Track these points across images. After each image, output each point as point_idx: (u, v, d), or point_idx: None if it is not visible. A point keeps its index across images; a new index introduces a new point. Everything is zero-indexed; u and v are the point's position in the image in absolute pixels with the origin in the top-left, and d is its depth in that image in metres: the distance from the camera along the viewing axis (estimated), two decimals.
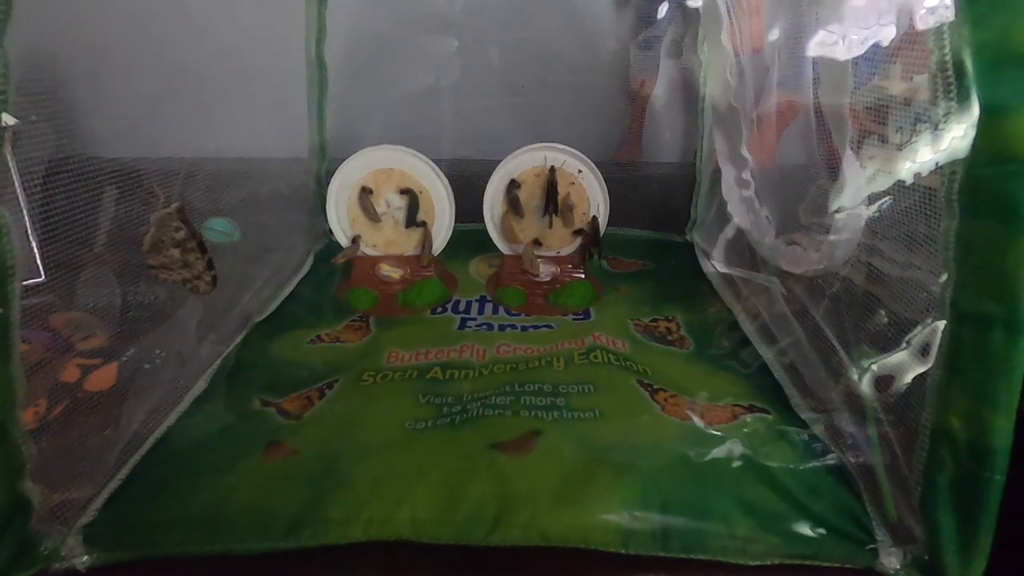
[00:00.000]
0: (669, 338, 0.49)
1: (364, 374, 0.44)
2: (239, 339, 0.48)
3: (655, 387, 0.41)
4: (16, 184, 0.54)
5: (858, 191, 0.31)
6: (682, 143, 0.80)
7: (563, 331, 0.50)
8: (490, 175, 0.59)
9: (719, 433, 0.35)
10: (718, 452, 0.33)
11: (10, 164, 0.52)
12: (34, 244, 0.61)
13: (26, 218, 0.58)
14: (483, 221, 0.59)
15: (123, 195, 0.53)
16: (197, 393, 0.41)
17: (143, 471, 0.34)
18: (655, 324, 0.51)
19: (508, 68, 0.72)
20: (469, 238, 0.65)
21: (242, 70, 0.61)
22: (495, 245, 0.60)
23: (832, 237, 0.35)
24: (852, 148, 0.31)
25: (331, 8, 0.63)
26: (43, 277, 0.56)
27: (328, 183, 0.57)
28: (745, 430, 0.36)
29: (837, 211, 0.33)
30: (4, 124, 0.24)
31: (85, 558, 0.29)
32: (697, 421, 0.36)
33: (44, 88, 0.36)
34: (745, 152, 0.51)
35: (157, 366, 0.45)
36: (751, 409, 0.38)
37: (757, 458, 0.33)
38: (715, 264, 0.61)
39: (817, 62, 0.34)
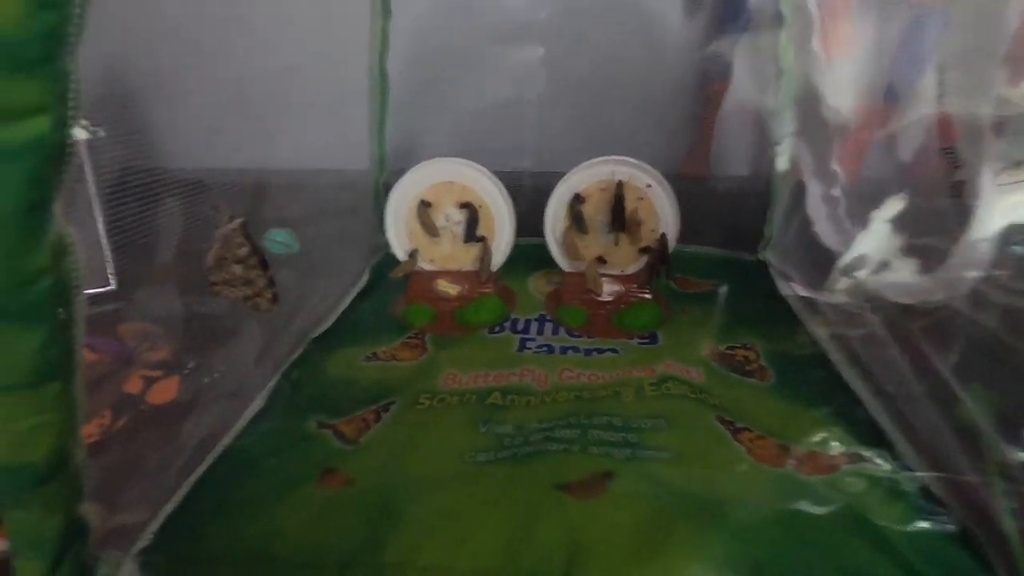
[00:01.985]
0: (748, 368, 0.45)
1: (421, 397, 0.42)
2: (296, 356, 0.47)
3: (737, 425, 0.37)
4: (92, 193, 0.56)
5: (993, 218, 0.27)
6: (752, 155, 0.76)
7: (630, 357, 0.47)
8: (550, 188, 0.56)
9: (819, 485, 0.31)
10: (818, 507, 0.29)
11: (87, 174, 0.54)
12: (108, 253, 0.63)
13: (100, 227, 0.60)
14: (543, 236, 0.57)
15: (189, 207, 0.54)
16: (254, 412, 0.40)
17: (199, 494, 0.33)
18: (732, 352, 0.47)
19: (569, 78, 0.70)
20: (528, 253, 0.62)
21: (304, 83, 0.61)
22: (555, 261, 0.58)
23: (954, 264, 0.31)
24: (988, 167, 0.27)
25: (394, 21, 0.62)
26: (114, 286, 0.57)
27: (386, 195, 0.56)
28: (849, 482, 0.31)
29: (964, 237, 0.29)
30: (75, 139, 0.23)
31: None
32: (792, 469, 0.32)
33: (116, 102, 0.36)
34: (835, 166, 0.47)
35: (216, 380, 0.44)
36: (854, 458, 0.34)
37: (865, 517, 0.29)
38: (796, 287, 0.57)
39: (944, 66, 0.30)
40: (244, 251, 0.34)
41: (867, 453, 0.34)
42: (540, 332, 0.52)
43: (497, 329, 0.53)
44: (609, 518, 0.29)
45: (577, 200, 0.54)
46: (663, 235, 0.53)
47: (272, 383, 0.43)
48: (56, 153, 0.22)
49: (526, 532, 0.29)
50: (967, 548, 0.29)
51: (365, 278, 0.62)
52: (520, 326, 0.53)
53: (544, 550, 0.28)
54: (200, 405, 0.41)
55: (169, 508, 0.32)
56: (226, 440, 0.37)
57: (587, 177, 0.54)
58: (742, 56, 0.67)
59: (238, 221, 0.34)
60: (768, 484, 0.31)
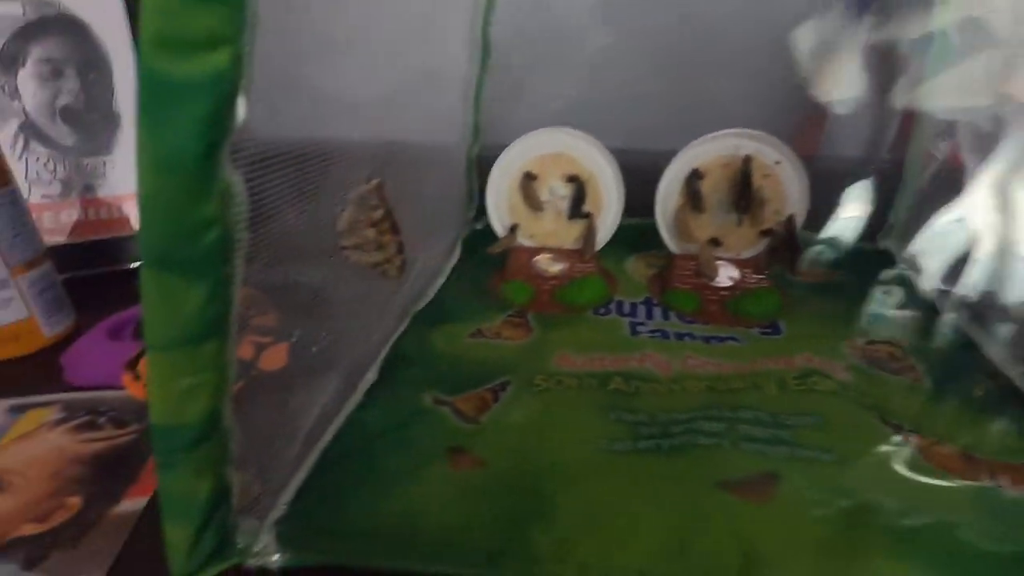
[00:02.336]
0: (895, 366, 0.40)
1: (536, 377, 0.40)
2: (401, 329, 0.45)
3: (906, 428, 0.33)
4: None
5: None
6: (868, 135, 0.70)
7: (757, 347, 0.43)
8: (653, 165, 0.53)
9: None
10: None
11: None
12: None
13: None
14: (644, 216, 0.53)
15: (293, 177, 0.52)
16: (369, 384, 0.39)
17: (326, 465, 0.32)
18: (874, 347, 0.42)
19: (675, 50, 0.65)
20: (626, 233, 0.59)
21: (400, 49, 0.59)
22: (654, 244, 0.54)
23: None
24: None
25: None
26: None
27: (478, 168, 0.54)
28: None
29: None
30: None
31: (276, 556, 0.27)
32: (990, 483, 0.28)
33: None
34: None
35: (324, 349, 0.43)
36: None
37: None
38: (930, 279, 0.51)
39: None
40: (379, 213, 0.32)
41: None
42: (649, 316, 0.49)
43: (602, 311, 0.50)
44: (786, 526, 0.26)
45: (695, 176, 0.50)
46: (791, 217, 0.49)
47: (382, 356, 0.42)
48: (233, 91, 0.20)
49: (693, 533, 0.26)
50: None
51: (457, 253, 0.60)
52: (626, 309, 0.50)
53: (714, 556, 0.25)
54: (312, 373, 0.40)
55: (300, 477, 0.31)
56: (346, 411, 0.36)
57: (708, 151, 0.50)
58: (871, 18, 0.60)
59: (375, 181, 0.32)
60: (968, 502, 0.27)
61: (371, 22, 0.55)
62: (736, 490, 0.28)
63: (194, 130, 0.19)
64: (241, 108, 0.20)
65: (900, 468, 0.30)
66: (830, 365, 0.40)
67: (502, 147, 0.56)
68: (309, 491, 0.30)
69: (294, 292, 0.50)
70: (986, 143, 0.44)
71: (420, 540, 0.27)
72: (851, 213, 0.49)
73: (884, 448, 0.31)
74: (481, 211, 0.70)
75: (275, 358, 0.43)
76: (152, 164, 0.19)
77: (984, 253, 0.44)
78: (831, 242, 0.59)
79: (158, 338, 0.21)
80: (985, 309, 0.45)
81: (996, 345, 0.41)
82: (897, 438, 0.32)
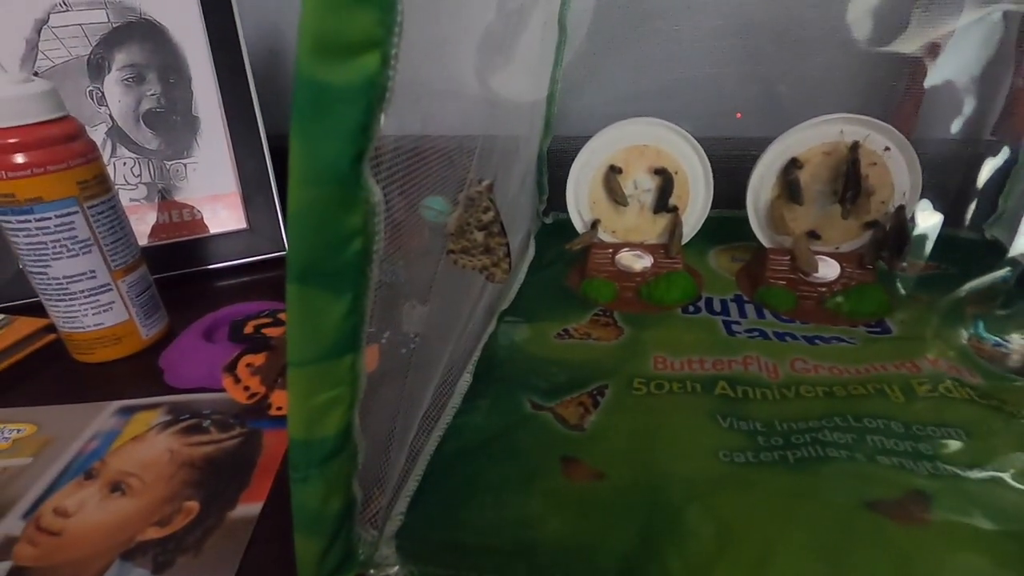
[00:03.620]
0: None
1: (634, 381, 0.38)
2: (490, 330, 0.44)
3: None
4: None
5: None
6: (972, 115, 0.65)
7: (871, 349, 0.40)
8: (738, 156, 0.50)
9: None
10: None
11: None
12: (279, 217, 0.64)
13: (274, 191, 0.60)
14: (724, 207, 0.51)
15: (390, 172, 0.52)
16: (465, 387, 0.38)
17: (436, 474, 0.31)
18: (1003, 350, 0.39)
19: (757, 32, 0.62)
20: (707, 225, 0.56)
21: (469, 39, 0.58)
22: (737, 235, 0.51)
23: None
24: None
25: None
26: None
27: (549, 161, 0.52)
28: None
29: None
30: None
31: (396, 568, 0.27)
32: None
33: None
34: None
35: (412, 351, 0.43)
36: None
37: None
38: None
39: None
40: (489, 216, 0.31)
41: None
42: (742, 315, 0.47)
43: (691, 309, 0.48)
44: (950, 555, 0.24)
45: (793, 165, 0.47)
46: (900, 208, 0.46)
47: (475, 358, 0.41)
48: (382, 96, 0.19)
49: (844, 557, 0.24)
50: None
51: (532, 249, 0.59)
52: (716, 307, 0.48)
53: None
54: (404, 376, 0.39)
55: (411, 486, 0.30)
56: (446, 418, 0.35)
57: (808, 138, 0.47)
58: None
59: (486, 183, 0.31)
60: None
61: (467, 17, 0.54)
62: (886, 511, 0.26)
63: (348, 138, 0.18)
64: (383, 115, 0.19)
65: None
66: (957, 368, 0.37)
67: (572, 139, 0.54)
68: (423, 501, 0.29)
69: (382, 291, 0.49)
70: None
71: (540, 553, 0.26)
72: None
73: None
74: (551, 205, 0.68)
75: (368, 360, 0.43)
76: (305, 177, 0.18)
77: None
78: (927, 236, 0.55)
79: (301, 354, 0.21)
80: None
81: None
82: None
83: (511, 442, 0.33)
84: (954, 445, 0.30)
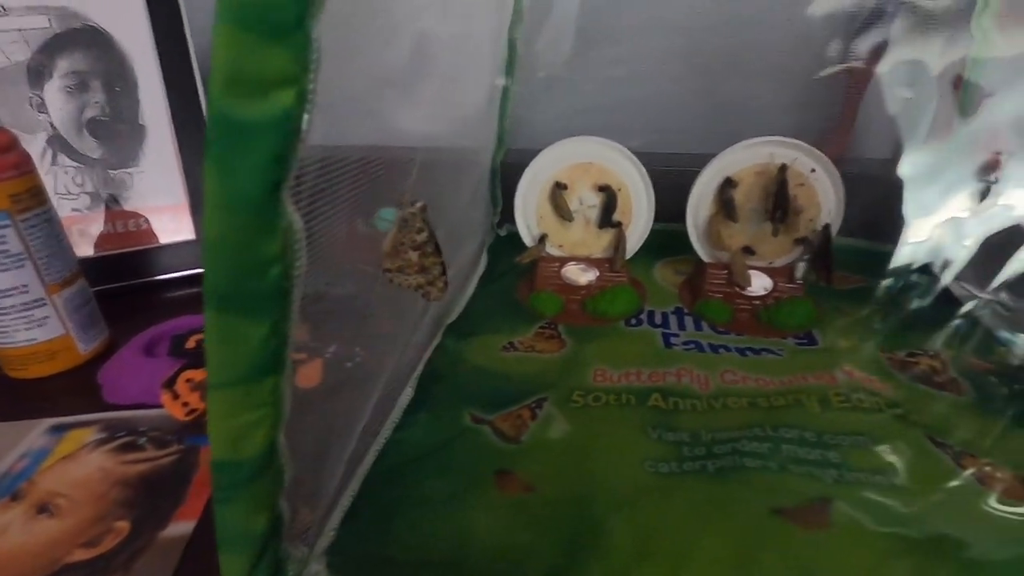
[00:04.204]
0: (938, 380, 0.40)
1: (573, 394, 0.39)
2: (435, 343, 0.45)
3: (956, 449, 0.32)
4: None
5: None
6: (898, 136, 0.69)
7: (796, 361, 0.43)
8: (682, 172, 0.52)
9: None
10: None
11: None
12: None
13: None
14: (669, 221, 0.53)
15: (333, 185, 0.52)
16: (406, 401, 0.39)
17: (371, 489, 0.32)
18: (915, 360, 0.42)
19: (704, 52, 0.65)
20: (653, 239, 0.58)
21: (430, 54, 0.59)
22: (680, 249, 0.54)
23: None
24: None
25: None
26: None
27: (503, 175, 0.53)
28: None
29: None
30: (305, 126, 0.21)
31: None
32: None
33: None
34: None
35: (358, 365, 0.43)
36: None
37: None
38: (968, 286, 0.51)
39: None
40: (423, 236, 0.32)
41: None
42: (681, 327, 0.49)
43: (633, 322, 0.50)
44: (845, 555, 0.26)
45: (728, 184, 0.50)
46: (826, 227, 0.48)
47: (418, 371, 0.42)
48: (296, 130, 0.19)
49: (752, 563, 0.26)
50: None
51: (484, 262, 0.60)
52: (657, 319, 0.50)
53: None
54: (348, 391, 0.40)
55: (345, 502, 0.31)
56: (385, 432, 0.36)
57: (741, 159, 0.49)
58: (904, 19, 0.59)
59: (419, 204, 0.31)
60: None
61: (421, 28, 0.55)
62: (791, 516, 0.28)
63: (262, 170, 0.19)
64: (302, 145, 0.20)
65: (956, 492, 0.29)
66: (870, 380, 0.39)
67: (526, 152, 0.55)
68: (356, 516, 0.30)
69: (327, 304, 0.49)
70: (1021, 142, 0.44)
71: (472, 566, 0.27)
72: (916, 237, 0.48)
73: (936, 470, 0.31)
74: (504, 218, 0.70)
75: (310, 375, 0.43)
76: (220, 205, 0.19)
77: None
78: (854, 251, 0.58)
79: (220, 376, 0.21)
80: (1017, 315, 0.44)
81: None
82: (948, 459, 0.31)
83: (448, 456, 0.34)
84: (860, 453, 0.32)
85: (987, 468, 0.31)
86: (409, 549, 0.28)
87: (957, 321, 0.46)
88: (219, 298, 0.20)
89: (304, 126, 0.20)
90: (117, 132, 0.58)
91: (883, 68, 0.64)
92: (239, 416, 0.22)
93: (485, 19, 0.56)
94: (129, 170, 0.59)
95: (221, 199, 0.19)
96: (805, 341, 0.46)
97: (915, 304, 0.50)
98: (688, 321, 0.50)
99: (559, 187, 0.52)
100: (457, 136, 0.59)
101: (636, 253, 0.55)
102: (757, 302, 0.50)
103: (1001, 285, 0.48)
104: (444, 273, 0.33)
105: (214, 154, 0.18)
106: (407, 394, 0.39)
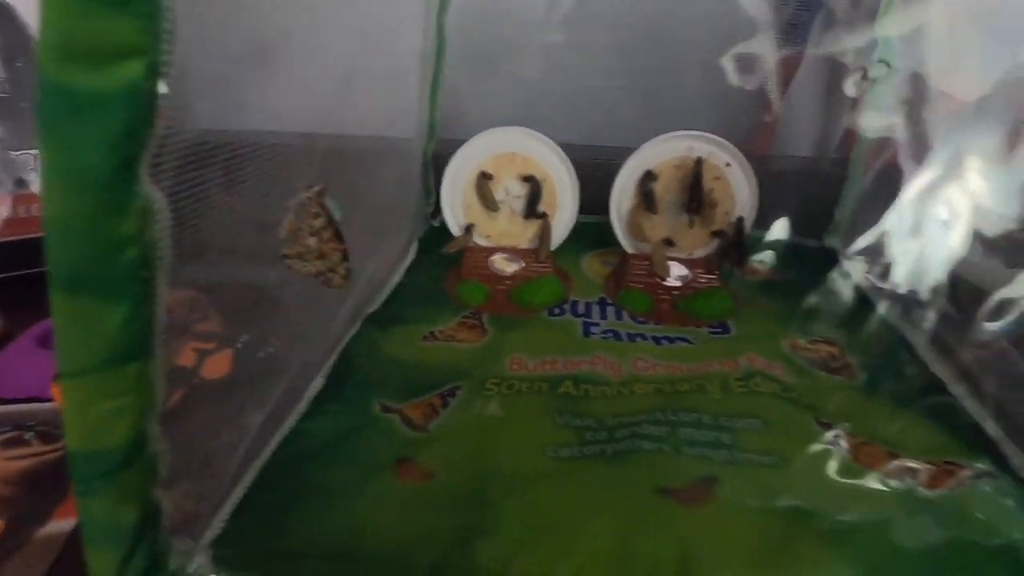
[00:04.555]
0: (833, 365, 0.42)
1: (487, 382, 0.40)
2: (352, 333, 0.44)
3: (837, 428, 0.34)
4: None
5: None
6: (820, 134, 0.72)
7: (706, 348, 0.44)
8: (610, 164, 0.53)
9: (946, 502, 0.29)
10: (949, 528, 0.27)
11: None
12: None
13: None
14: (598, 213, 0.54)
15: (237, 172, 0.50)
16: (315, 391, 0.38)
17: (268, 479, 0.31)
18: (814, 347, 0.44)
19: (636, 47, 0.66)
20: (582, 231, 0.59)
21: (352, 41, 0.57)
22: (609, 241, 0.55)
23: None
24: None
25: None
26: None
27: (435, 165, 0.53)
28: (978, 499, 0.29)
29: None
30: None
31: None
32: (911, 482, 0.30)
33: None
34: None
35: (271, 355, 0.42)
36: (976, 470, 0.31)
37: (1004, 539, 0.27)
38: (872, 278, 0.53)
39: None
40: (320, 222, 0.31)
41: (984, 464, 0.31)
42: (603, 316, 0.50)
43: (557, 311, 0.50)
44: (721, 530, 0.27)
45: (648, 177, 0.51)
46: (740, 219, 0.50)
47: (331, 361, 0.41)
48: (148, 104, 0.19)
49: (632, 541, 0.26)
50: None
51: (413, 252, 0.60)
52: (580, 309, 0.51)
53: (652, 562, 0.26)
54: (257, 381, 0.39)
55: (238, 493, 0.30)
56: (289, 422, 0.35)
57: (660, 153, 0.50)
58: (820, 26, 0.62)
59: (315, 189, 0.31)
60: (891, 501, 0.29)
61: (321, 16, 0.53)
62: (677, 495, 0.29)
63: (106, 146, 0.18)
64: (158, 121, 0.19)
65: (832, 469, 0.31)
66: (771, 366, 0.41)
67: (461, 144, 0.55)
68: (248, 508, 0.29)
69: (241, 294, 0.48)
70: (922, 147, 0.46)
71: (362, 557, 0.27)
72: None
73: (817, 449, 0.32)
74: (439, 208, 0.69)
75: (218, 365, 0.41)
76: (59, 182, 0.18)
77: (913, 250, 0.47)
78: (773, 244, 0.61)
79: (72, 364, 0.20)
80: (913, 304, 0.47)
81: (923, 341, 0.43)
82: (829, 438, 0.33)
83: (352, 445, 0.33)
84: (751, 435, 0.33)
85: (863, 446, 0.33)
86: (301, 540, 0.28)
87: (859, 309, 0.49)
88: (67, 280, 0.19)
89: (158, 101, 0.19)
90: (19, 111, 0.55)
91: (804, 67, 0.67)
92: (98, 404, 0.21)
93: (411, 3, 0.56)
94: (33, 152, 0.56)
95: (60, 177, 0.18)
96: (719, 330, 0.47)
97: (822, 294, 0.52)
98: (610, 311, 0.50)
99: (484, 177, 0.52)
100: (385, 124, 0.58)
101: (566, 244, 0.56)
102: (676, 292, 0.51)
103: (901, 276, 0.51)
104: (346, 260, 0.33)
105: (50, 126, 0.17)
106: (317, 384, 0.39)
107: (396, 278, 0.54)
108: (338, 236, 0.32)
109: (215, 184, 0.44)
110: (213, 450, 0.33)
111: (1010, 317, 0.31)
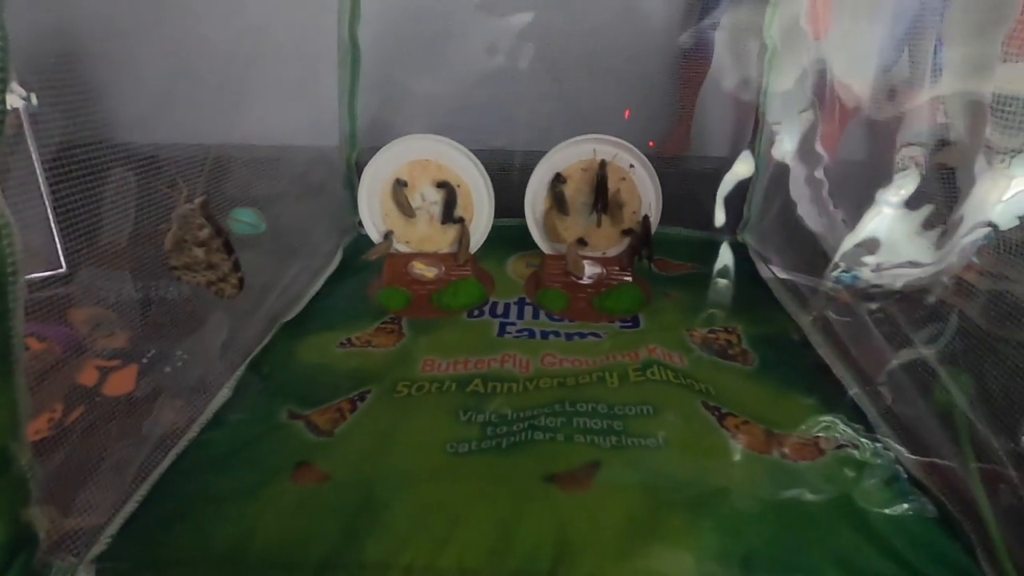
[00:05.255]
0: (730, 352, 0.44)
1: (398, 385, 0.40)
2: (265, 342, 0.45)
3: (723, 411, 0.36)
4: (37, 170, 0.52)
5: (988, 203, 0.26)
6: (732, 137, 0.75)
7: (613, 341, 0.46)
8: (531, 168, 0.55)
9: (807, 471, 0.31)
10: (808, 495, 0.29)
11: (30, 149, 0.50)
12: (56, 233, 0.59)
13: (48, 206, 0.55)
14: (523, 216, 0.55)
15: (146, 184, 0.50)
16: (221, 403, 0.38)
17: (162, 492, 0.31)
18: (714, 336, 0.46)
19: (551, 54, 0.68)
20: (506, 234, 0.61)
21: (269, 51, 0.58)
22: (534, 243, 0.56)
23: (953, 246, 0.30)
24: (987, 149, 0.26)
25: None
26: (64, 268, 0.53)
27: (358, 174, 0.53)
28: (835, 468, 0.31)
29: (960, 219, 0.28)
30: (10, 107, 0.21)
31: None
32: (779, 456, 0.32)
33: (53, 67, 0.32)
34: (820, 148, 0.46)
35: (178, 370, 0.42)
36: (838, 443, 0.33)
37: (852, 503, 0.29)
38: (775, 269, 0.57)
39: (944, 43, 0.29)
40: (205, 233, 0.31)
41: (851, 438, 0.34)
42: (520, 316, 0.51)
43: (476, 313, 0.51)
44: (598, 511, 0.28)
45: (558, 180, 0.53)
46: (645, 217, 0.52)
47: (240, 372, 0.41)
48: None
49: (514, 526, 0.28)
50: (948, 531, 0.29)
51: (337, 260, 0.60)
52: (499, 310, 0.52)
53: (531, 547, 0.27)
54: (162, 396, 0.38)
55: (129, 509, 0.30)
56: (190, 434, 0.35)
57: (568, 156, 0.52)
58: (723, 34, 0.65)
59: (198, 200, 0.31)
60: (757, 472, 0.31)
61: (232, 29, 0.53)
62: (560, 482, 0.30)
63: None
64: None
65: (712, 449, 0.33)
66: (670, 355, 0.43)
67: (374, 152, 0.56)
68: (138, 521, 0.29)
69: (152, 308, 0.47)
70: (808, 146, 0.50)
71: (250, 561, 0.27)
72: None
73: (701, 431, 0.34)
74: None
75: (122, 382, 0.41)
76: None
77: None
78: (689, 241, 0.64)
79: None
80: (806, 293, 0.50)
81: (811, 328, 0.46)
82: (712, 420, 0.35)
83: (252, 453, 0.34)
84: (641, 420, 0.35)
85: (743, 425, 0.35)
86: (190, 548, 0.28)
87: (758, 299, 0.52)
88: None
89: (4, 114, 0.19)
90: None
91: (713, 75, 0.71)
92: None
93: (323, 17, 0.56)
94: None
95: None
96: (630, 324, 0.49)
97: (725, 286, 0.55)
98: (528, 310, 0.52)
99: (400, 184, 0.52)
100: (297, 134, 0.58)
101: (490, 247, 0.57)
102: (591, 290, 0.53)
103: (797, 266, 0.54)
104: (237, 270, 0.33)
105: None
106: (223, 395, 0.39)
107: (316, 287, 0.54)
108: (228, 246, 0.33)
109: (111, 196, 0.43)
110: (109, 467, 0.33)
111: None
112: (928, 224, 0.34)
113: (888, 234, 0.34)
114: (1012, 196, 0.25)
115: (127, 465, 0.32)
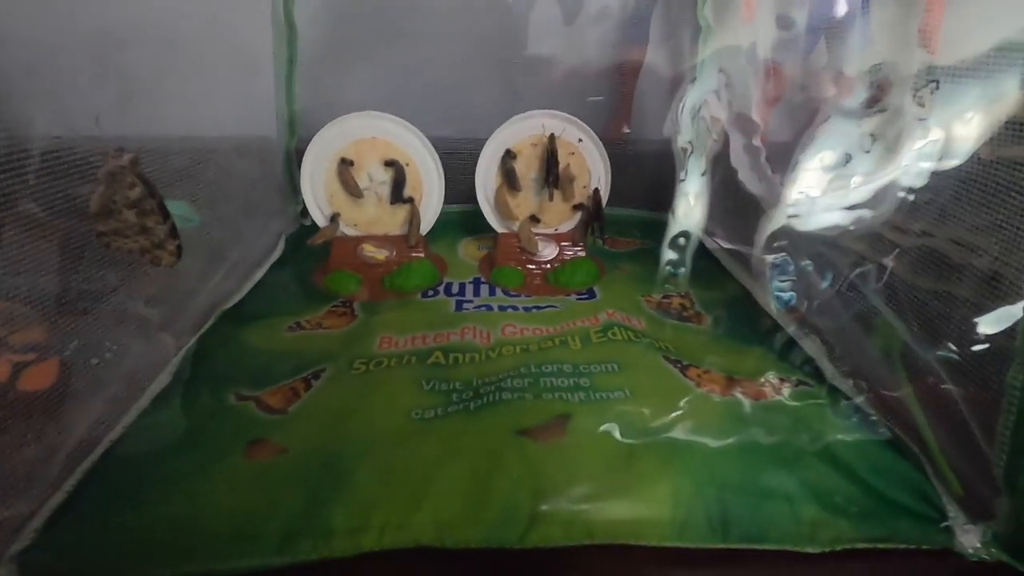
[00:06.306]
0: (685, 314, 0.46)
1: (355, 362, 0.39)
2: (204, 329, 0.42)
3: (684, 363, 0.37)
4: None
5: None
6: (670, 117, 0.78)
7: (571, 311, 0.46)
8: (475, 153, 0.54)
9: (767, 409, 0.32)
10: (771, 430, 0.30)
11: None
12: None
13: None
14: (469, 202, 0.55)
15: (68, 175, 0.46)
16: (158, 389, 0.35)
17: (95, 481, 0.28)
18: (668, 300, 0.47)
19: (493, 39, 0.68)
20: (455, 219, 0.60)
21: (199, 35, 0.55)
22: (484, 227, 0.56)
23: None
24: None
25: None
26: None
27: (299, 162, 0.51)
28: (794, 405, 0.32)
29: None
30: None
31: None
32: (741, 397, 0.33)
33: None
34: (756, 116, 0.48)
35: (108, 361, 0.38)
36: (794, 383, 0.35)
37: (812, 433, 0.30)
38: (719, 240, 0.59)
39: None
40: (137, 192, 0.29)
41: (803, 378, 0.35)
42: (476, 294, 0.50)
43: (431, 293, 0.50)
44: (573, 457, 0.28)
45: (508, 156, 0.52)
46: (596, 191, 0.53)
47: (178, 358, 0.38)
48: None
49: (489, 479, 0.27)
50: (899, 452, 0.30)
51: (280, 249, 0.57)
52: (455, 289, 0.51)
53: (508, 496, 0.26)
54: (89, 387, 0.35)
55: (56, 500, 0.27)
56: (126, 420, 0.32)
57: (518, 132, 0.52)
58: (658, 18, 0.68)
59: (128, 156, 0.28)
60: (721, 413, 0.32)
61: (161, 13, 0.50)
62: (532, 434, 0.30)
63: None
64: None
65: (679, 397, 0.33)
66: (628, 319, 0.43)
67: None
68: (68, 513, 0.26)
69: (74, 301, 0.43)
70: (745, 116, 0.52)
71: (204, 540, 0.25)
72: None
73: (666, 381, 0.35)
74: None
75: (41, 376, 0.37)
76: None
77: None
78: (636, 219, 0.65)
79: None
80: (754, 262, 0.52)
81: (761, 290, 0.48)
82: (676, 372, 0.36)
83: (198, 435, 0.31)
84: (606, 376, 0.35)
85: (704, 374, 0.36)
86: (130, 532, 0.25)
87: (706, 267, 0.54)
88: None
89: None
90: None
91: (647, 63, 0.73)
92: None
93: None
94: None
95: None
96: (586, 296, 0.50)
97: (675, 257, 0.57)
98: (484, 288, 0.51)
99: (345, 163, 0.51)
100: (232, 123, 0.56)
101: (440, 232, 0.56)
102: (547, 265, 0.53)
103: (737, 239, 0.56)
104: (175, 237, 0.30)
105: None
106: (161, 381, 0.36)
107: (258, 275, 0.51)
108: (163, 211, 0.30)
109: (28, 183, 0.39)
110: (29, 460, 0.29)
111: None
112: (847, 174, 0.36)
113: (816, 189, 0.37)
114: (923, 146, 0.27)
115: (51, 458, 0.29)
